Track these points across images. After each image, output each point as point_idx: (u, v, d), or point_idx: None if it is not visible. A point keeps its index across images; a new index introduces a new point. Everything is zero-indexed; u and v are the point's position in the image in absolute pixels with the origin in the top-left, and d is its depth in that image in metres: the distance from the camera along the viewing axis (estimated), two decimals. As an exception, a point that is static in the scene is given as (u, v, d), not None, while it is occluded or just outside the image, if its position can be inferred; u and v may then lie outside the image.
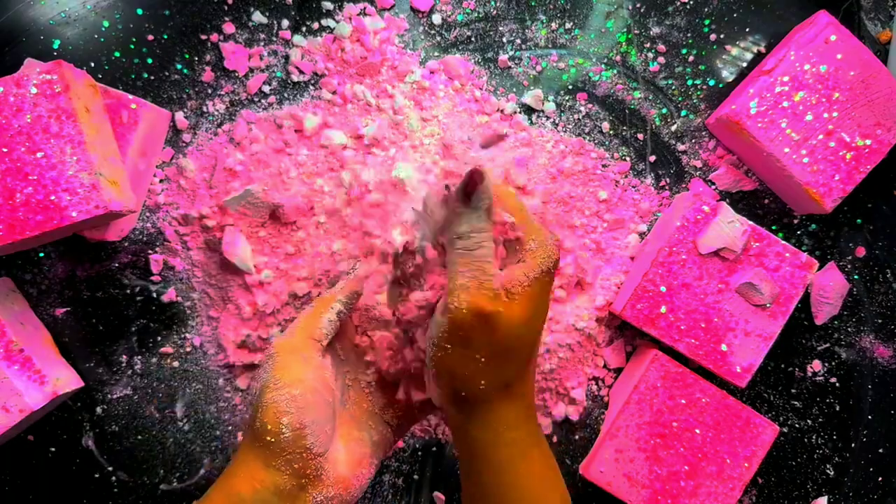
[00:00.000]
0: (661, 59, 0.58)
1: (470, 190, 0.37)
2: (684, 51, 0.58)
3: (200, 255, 0.56)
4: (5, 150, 0.47)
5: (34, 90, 0.47)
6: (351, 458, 0.41)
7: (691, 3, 0.58)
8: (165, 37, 0.56)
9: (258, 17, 0.56)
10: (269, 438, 0.38)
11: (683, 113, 0.59)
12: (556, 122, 0.58)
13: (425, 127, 0.56)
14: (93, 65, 0.55)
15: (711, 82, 0.59)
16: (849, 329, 0.59)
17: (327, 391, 0.41)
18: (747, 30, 0.58)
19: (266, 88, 0.57)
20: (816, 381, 0.58)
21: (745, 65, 0.58)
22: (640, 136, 0.59)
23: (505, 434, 0.39)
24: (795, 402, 0.58)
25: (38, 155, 0.47)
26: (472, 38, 0.58)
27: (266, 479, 0.38)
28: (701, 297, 0.53)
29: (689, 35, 0.58)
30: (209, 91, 0.56)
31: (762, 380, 0.58)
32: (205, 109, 0.56)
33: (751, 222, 0.53)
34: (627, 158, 0.58)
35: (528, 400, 0.41)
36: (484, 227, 0.38)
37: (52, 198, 0.47)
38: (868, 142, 0.54)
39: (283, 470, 0.38)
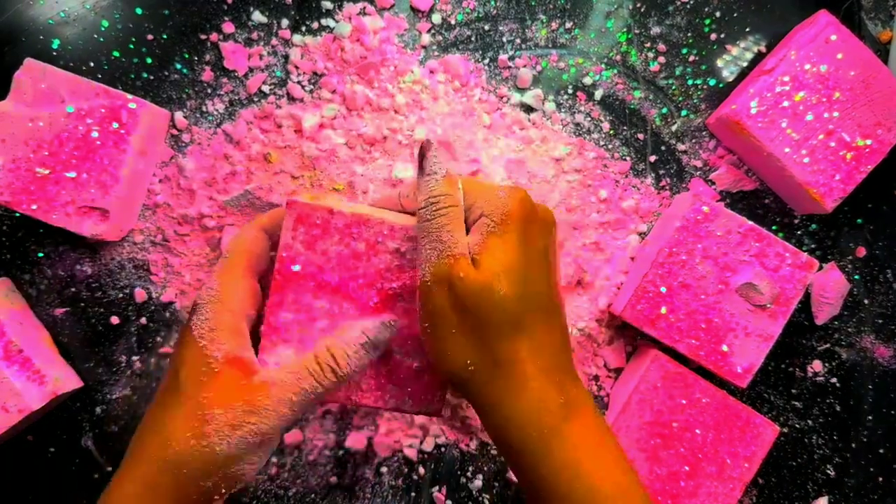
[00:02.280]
0: (662, 59, 0.58)
1: (420, 158, 0.38)
2: (685, 50, 0.58)
3: (200, 254, 0.56)
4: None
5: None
6: None
7: (692, 2, 0.58)
8: (165, 36, 0.56)
9: (258, 16, 0.56)
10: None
11: (684, 113, 0.59)
12: (556, 121, 0.58)
13: (425, 126, 0.56)
14: (92, 64, 0.55)
15: (712, 82, 0.59)
16: (849, 329, 0.59)
17: None
18: (748, 29, 0.58)
19: (266, 88, 0.56)
20: (817, 381, 0.58)
21: (745, 64, 0.58)
22: (641, 135, 0.59)
23: (519, 418, 0.36)
24: (796, 403, 0.58)
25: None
26: (472, 38, 0.58)
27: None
28: (701, 298, 0.52)
29: (689, 35, 0.58)
30: (209, 91, 0.56)
31: (763, 380, 0.58)
32: (204, 109, 0.56)
33: (751, 222, 0.53)
34: (627, 158, 0.58)
35: (541, 380, 0.37)
36: (441, 193, 0.37)
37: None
38: (868, 142, 0.54)
39: None
